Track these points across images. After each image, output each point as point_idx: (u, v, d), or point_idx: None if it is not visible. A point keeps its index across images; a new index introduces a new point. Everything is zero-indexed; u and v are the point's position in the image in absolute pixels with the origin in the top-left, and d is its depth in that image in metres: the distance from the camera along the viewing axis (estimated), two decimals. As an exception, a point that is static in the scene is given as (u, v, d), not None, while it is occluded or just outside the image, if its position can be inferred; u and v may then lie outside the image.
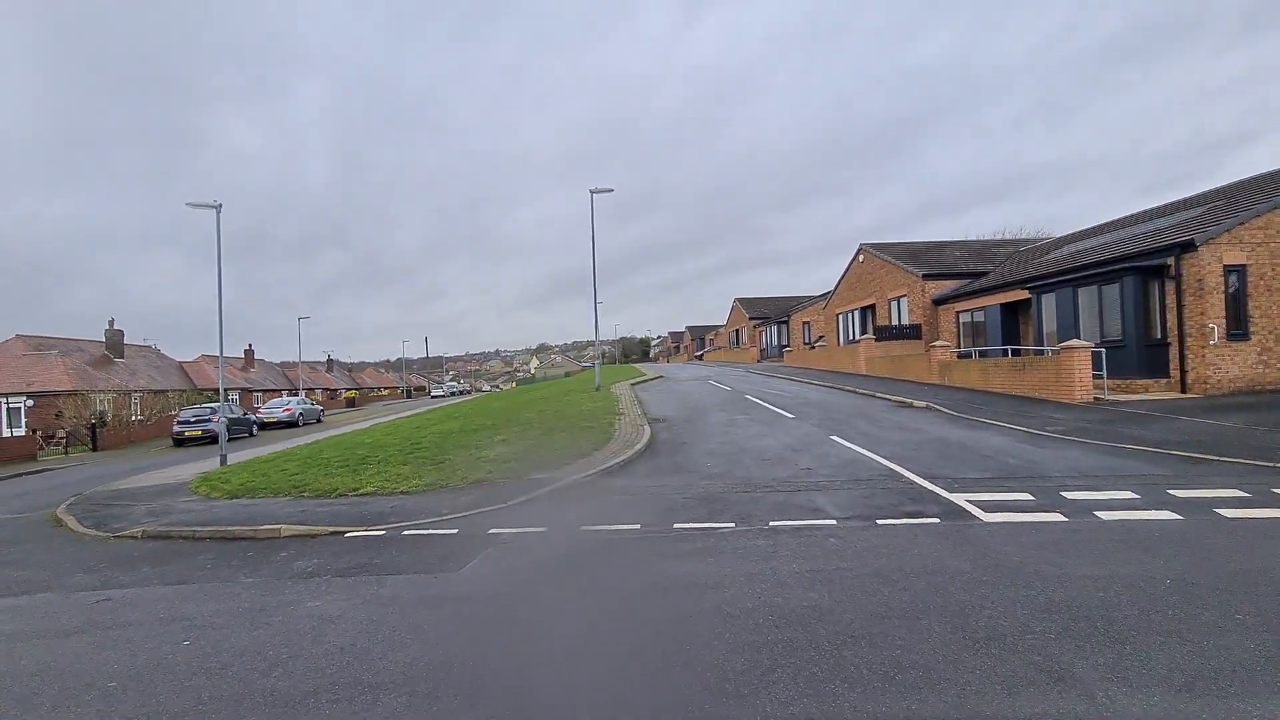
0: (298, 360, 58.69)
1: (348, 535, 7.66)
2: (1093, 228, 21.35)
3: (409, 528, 7.72)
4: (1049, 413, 12.62)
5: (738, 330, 60.49)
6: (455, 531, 7.42)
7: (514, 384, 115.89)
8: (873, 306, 29.11)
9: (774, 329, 47.70)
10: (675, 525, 7.02)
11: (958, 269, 24.48)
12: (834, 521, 6.74)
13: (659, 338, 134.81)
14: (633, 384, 25.87)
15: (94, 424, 27.73)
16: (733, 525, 6.89)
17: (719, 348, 68.16)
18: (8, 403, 32.80)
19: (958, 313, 22.75)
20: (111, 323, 44.15)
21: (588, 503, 8.23)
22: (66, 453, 26.81)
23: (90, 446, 27.30)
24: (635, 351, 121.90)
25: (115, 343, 44.13)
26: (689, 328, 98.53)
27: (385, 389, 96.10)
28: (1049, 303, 16.90)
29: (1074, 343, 13.18)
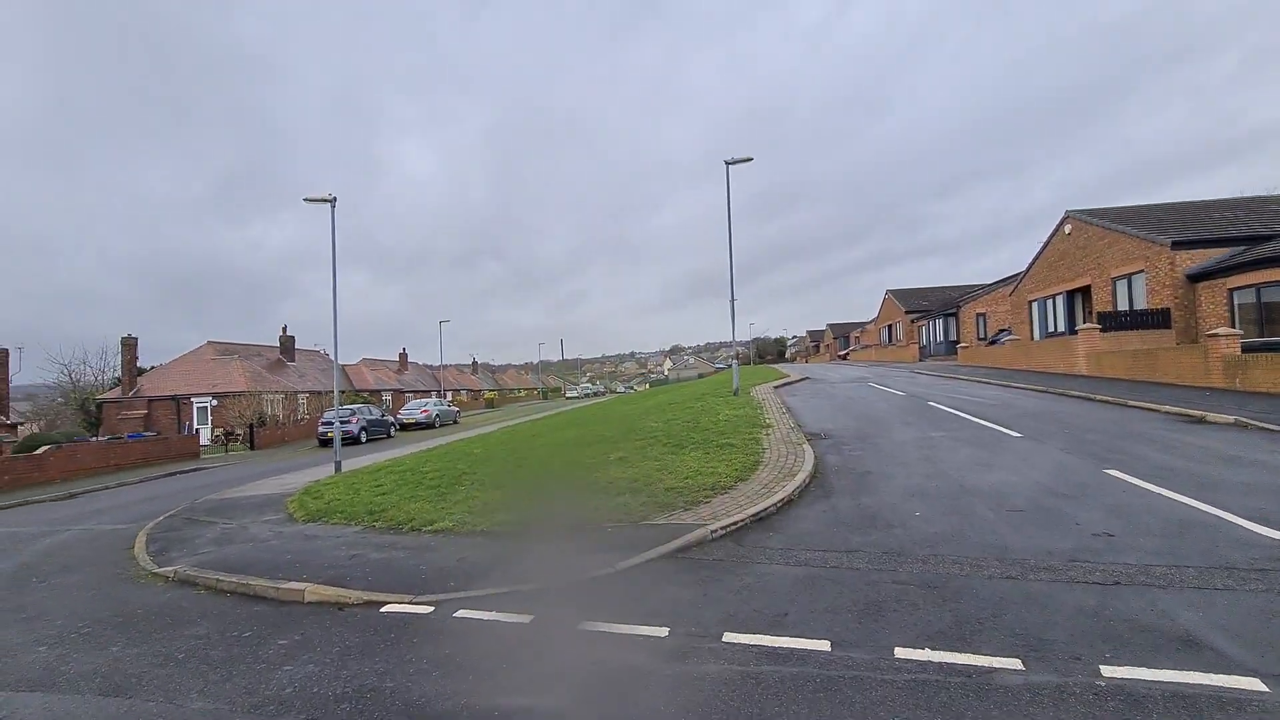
0: (439, 363, 61.19)
1: (383, 610, 5.26)
2: None
3: (466, 603, 5.17)
4: None
5: (890, 326, 53.98)
6: (527, 620, 4.73)
7: (647, 385, 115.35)
8: (1086, 289, 23.02)
9: (938, 323, 41.31)
10: (897, 651, 3.80)
11: (1223, 233, 18.16)
12: (1258, 687, 3.15)
13: (795, 337, 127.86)
14: (776, 386, 22.30)
15: (252, 424, 29.37)
16: (1017, 665, 3.55)
17: (867, 346, 61.62)
18: (195, 403, 36.28)
19: (1232, 290, 16.65)
20: (284, 329, 48.27)
21: (733, 580, 5.18)
22: (226, 451, 28.56)
23: (249, 445, 28.91)
24: (770, 352, 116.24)
25: (288, 347, 48.17)
26: (830, 325, 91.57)
27: (524, 390, 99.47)
28: None
29: None
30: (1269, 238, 17.35)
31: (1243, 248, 17.53)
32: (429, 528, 7.64)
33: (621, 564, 5.68)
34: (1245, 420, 9.63)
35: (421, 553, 6.70)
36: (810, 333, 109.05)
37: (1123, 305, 20.46)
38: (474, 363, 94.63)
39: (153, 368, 41.38)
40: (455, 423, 38.84)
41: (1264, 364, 12.11)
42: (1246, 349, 14.29)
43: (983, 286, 40.72)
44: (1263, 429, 9.17)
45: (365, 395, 49.23)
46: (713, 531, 6.26)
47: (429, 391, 71.40)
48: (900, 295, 52.51)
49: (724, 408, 15.36)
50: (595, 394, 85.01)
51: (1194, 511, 5.83)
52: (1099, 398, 13.33)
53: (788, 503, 7.16)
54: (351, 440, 28.12)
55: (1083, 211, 22.72)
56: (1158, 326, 18.23)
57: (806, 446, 9.88)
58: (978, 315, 37.72)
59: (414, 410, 36.54)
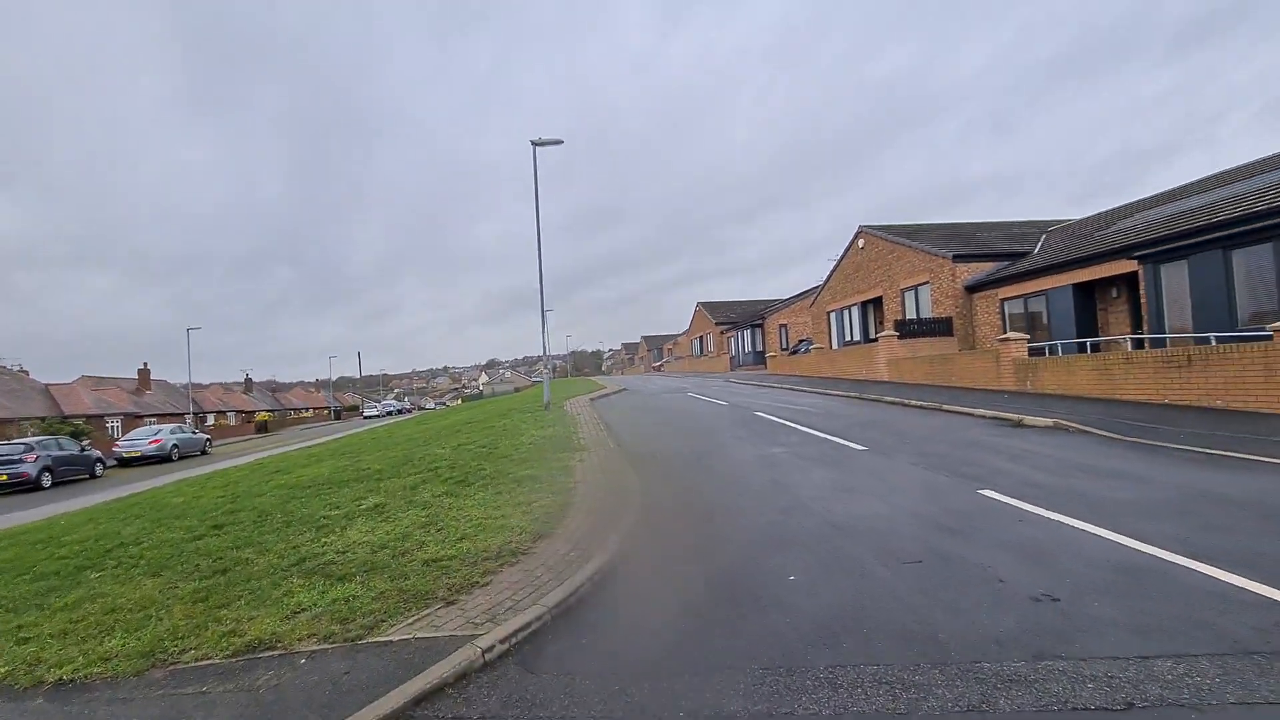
0: (188, 381, 50.48)
1: None
2: (1178, 188, 17.00)
3: None
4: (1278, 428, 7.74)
5: (702, 337, 55.61)
6: None
7: (460, 401, 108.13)
8: (878, 300, 24.41)
9: (745, 334, 42.91)
10: None
11: (992, 249, 19.95)
12: None
13: (612, 351, 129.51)
14: (593, 399, 20.23)
15: None
16: None
17: (680, 357, 63.13)
18: None
19: (1003, 300, 18.12)
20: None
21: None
22: None
23: None
24: (588, 365, 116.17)
25: (-56, 362, 35.54)
26: (645, 338, 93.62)
27: (314, 409, 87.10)
28: (1175, 276, 12.25)
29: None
30: (1023, 254, 19.31)
31: (1007, 262, 19.30)
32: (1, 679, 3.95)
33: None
34: (1064, 423, 9.42)
35: None
36: (626, 345, 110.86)
37: (911, 314, 21.77)
38: (247, 380, 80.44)
39: None
40: (204, 453, 31.22)
41: (1051, 366, 12.65)
42: (1034, 352, 15.23)
43: (782, 300, 43.14)
44: (1084, 432, 8.93)
45: (79, 423, 38.19)
46: (486, 651, 3.62)
47: (180, 415, 58.96)
48: (710, 308, 54.31)
49: (531, 427, 12.74)
50: (400, 411, 76.89)
51: (1120, 549, 4.54)
52: (914, 403, 13.12)
53: (608, 575, 4.78)
54: (28, 486, 20.54)
55: (875, 227, 24.10)
56: (943, 334, 19.41)
57: (630, 474, 7.67)
58: (780, 326, 39.64)
59: (139, 440, 28.45)
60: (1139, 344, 14.16)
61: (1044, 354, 14.39)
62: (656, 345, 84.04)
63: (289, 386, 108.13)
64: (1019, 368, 13.47)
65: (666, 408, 16.20)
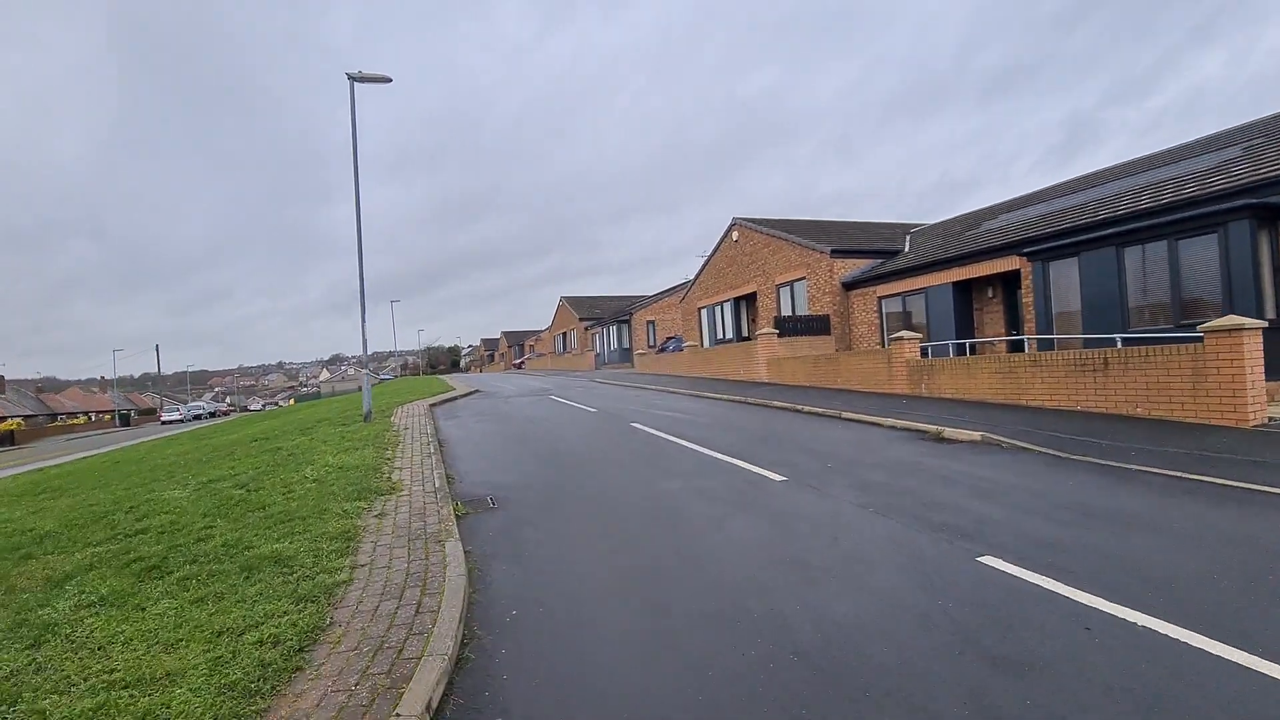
0: None
1: None
2: (1034, 192, 17.14)
3: None
4: (1228, 444, 6.73)
5: (565, 333, 52.86)
6: None
7: (292, 400, 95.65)
8: (752, 296, 23.26)
9: (611, 331, 40.87)
10: None
11: (868, 246, 19.34)
12: None
13: (470, 347, 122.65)
14: (433, 404, 16.76)
15: None
16: None
17: (542, 354, 59.82)
18: None
19: (880, 298, 17.40)
20: None
21: None
22: None
23: None
24: (444, 361, 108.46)
25: None
26: (505, 333, 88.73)
27: (97, 413, 71.99)
28: (1064, 272, 11.67)
29: (1236, 320, 7.52)
30: (895, 253, 18.86)
31: (880, 260, 18.72)
32: None
33: None
34: (993, 437, 8.00)
35: None
36: (485, 341, 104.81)
37: (786, 312, 20.73)
38: (-4, 378, 64.22)
39: None
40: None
41: (949, 369, 11.59)
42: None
43: (652, 296, 41.64)
44: (1021, 448, 7.50)
45: None
46: None
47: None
48: (574, 303, 51.71)
49: (332, 449, 9.30)
50: (211, 414, 65.59)
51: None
52: (808, 409, 11.47)
53: None
54: None
55: (751, 219, 22.90)
56: (821, 332, 18.43)
57: (451, 543, 4.80)
58: (648, 323, 38.04)
59: None
60: (1017, 346, 13.74)
61: (925, 355, 13.49)
62: (518, 341, 79.79)
63: (66, 385, 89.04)
64: (913, 369, 12.35)
65: (523, 416, 13.33)
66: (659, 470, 7.40)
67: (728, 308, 24.75)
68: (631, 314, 38.92)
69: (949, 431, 8.55)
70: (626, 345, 38.72)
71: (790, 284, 20.52)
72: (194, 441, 15.88)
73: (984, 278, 14.71)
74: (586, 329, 47.24)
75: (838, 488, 6.16)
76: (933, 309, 15.66)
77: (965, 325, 15.14)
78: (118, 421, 61.00)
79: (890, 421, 9.67)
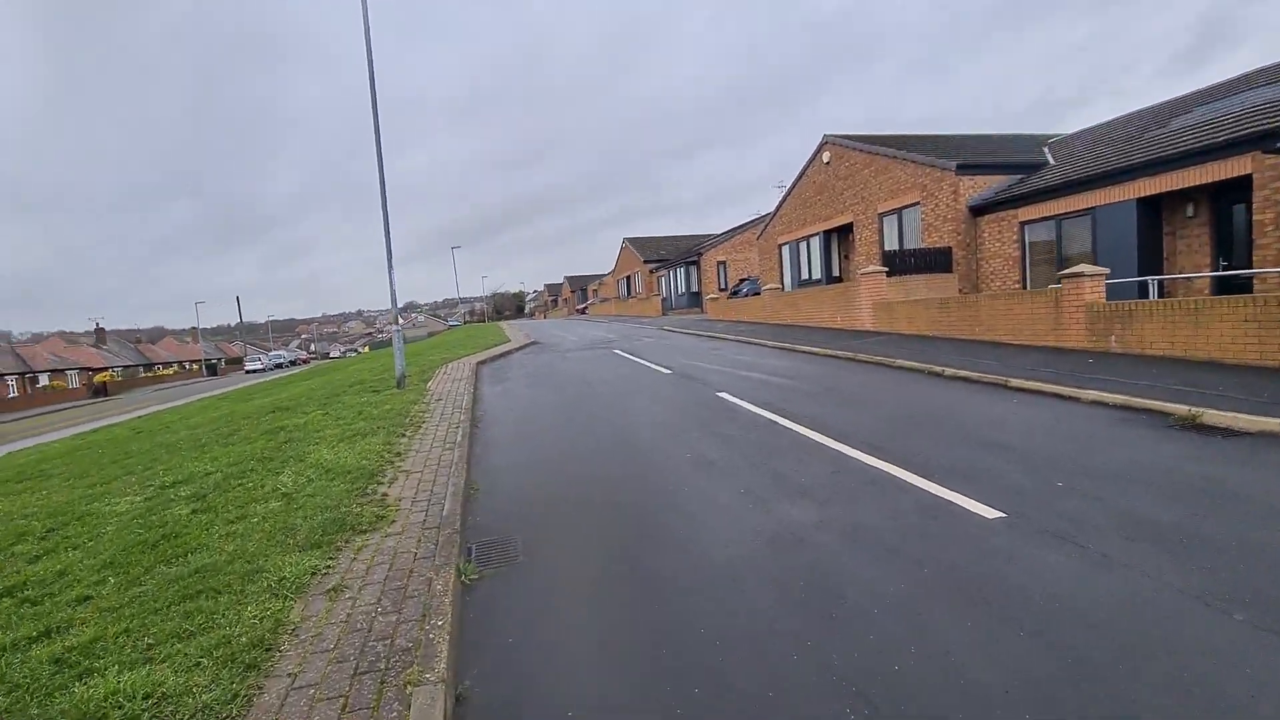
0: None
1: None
2: (1273, 65, 12.87)
3: None
4: None
5: (629, 277, 50.28)
6: None
7: (366, 348, 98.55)
8: (846, 228, 19.86)
9: (679, 273, 37.93)
10: None
11: (1005, 159, 15.55)
12: None
13: (535, 292, 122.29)
14: (481, 361, 14.83)
15: None
16: None
17: (606, 299, 57.67)
18: None
19: (1023, 224, 13.82)
20: None
21: None
22: None
23: None
24: (509, 307, 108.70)
25: None
26: (568, 278, 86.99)
27: (189, 362, 76.03)
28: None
29: None
30: (1038, 166, 15.03)
31: (1019, 176, 14.98)
32: None
33: None
34: (1307, 427, 5.02)
35: None
36: (549, 286, 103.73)
37: (890, 245, 17.35)
38: (98, 330, 68.43)
39: None
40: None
41: (1158, 313, 8.35)
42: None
43: (723, 234, 38.26)
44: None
45: None
46: None
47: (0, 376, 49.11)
48: (638, 244, 48.83)
49: (338, 432, 7.32)
50: (292, 363, 67.86)
51: None
52: (950, 371, 8.60)
53: None
54: None
55: (846, 137, 19.23)
56: (941, 269, 15.10)
57: (427, 689, 2.53)
58: (719, 263, 34.93)
59: None
60: (1228, 285, 10.21)
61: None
62: (581, 286, 77.89)
63: (160, 336, 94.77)
64: (1095, 316, 9.15)
65: (581, 378, 11.09)
66: (770, 475, 4.92)
67: (815, 243, 21.42)
68: (700, 254, 35.81)
69: (1210, 415, 5.60)
70: (695, 289, 35.83)
71: (898, 211, 17.04)
72: (234, 404, 14.62)
73: (1182, 191, 11.00)
74: (651, 271, 44.48)
75: (1113, 542, 3.50)
76: (1103, 236, 12.07)
77: (1152, 257, 11.55)
78: (205, 371, 63.87)
79: (1090, 395, 6.75)
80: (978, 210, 14.80)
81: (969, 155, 15.66)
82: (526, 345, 19.17)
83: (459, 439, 6.65)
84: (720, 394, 8.53)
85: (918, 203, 16.15)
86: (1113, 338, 8.92)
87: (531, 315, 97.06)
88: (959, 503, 4.20)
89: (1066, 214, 12.80)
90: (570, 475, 5.52)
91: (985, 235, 14.75)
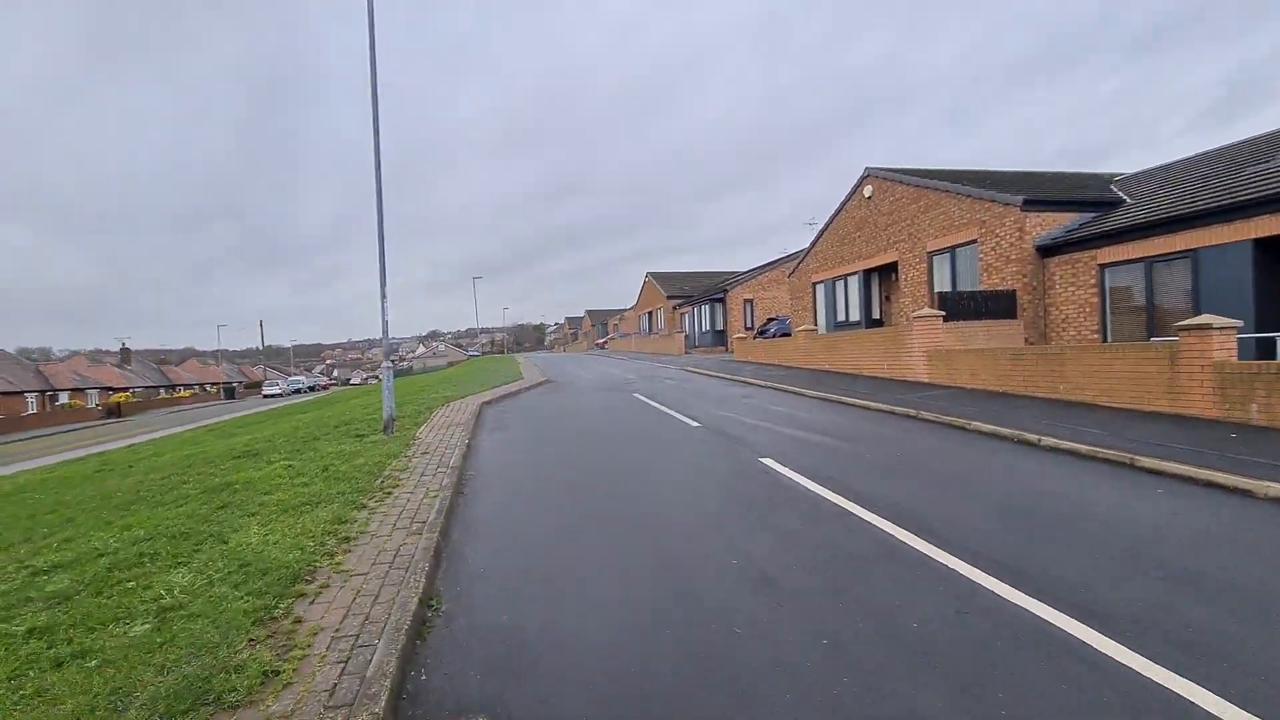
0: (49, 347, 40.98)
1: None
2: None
3: None
4: None
5: (651, 312, 49.03)
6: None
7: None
8: (890, 267, 18.33)
9: (703, 310, 36.52)
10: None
11: (1077, 196, 13.99)
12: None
13: (556, 325, 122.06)
14: (489, 400, 13.40)
15: None
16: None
17: (626, 335, 56.41)
18: None
19: (1103, 266, 12.17)
20: None
21: None
22: None
23: None
24: (529, 339, 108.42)
25: None
26: (589, 312, 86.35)
27: (208, 385, 76.03)
28: None
29: None
30: (1114, 204, 13.45)
31: (1094, 214, 13.39)
32: None
33: None
34: None
35: None
36: (569, 320, 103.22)
37: (941, 287, 15.76)
38: (123, 349, 68.82)
39: None
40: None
41: (1315, 381, 6.61)
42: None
43: (751, 271, 36.94)
44: None
45: None
46: None
47: (20, 393, 49.09)
48: (661, 279, 47.71)
49: (287, 497, 5.84)
50: (311, 389, 67.42)
51: None
52: (1048, 441, 6.92)
53: None
54: None
55: (891, 170, 17.86)
56: (1004, 315, 13.42)
57: None
58: (745, 301, 33.51)
59: None
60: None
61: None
62: (601, 320, 77.04)
63: (184, 357, 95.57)
64: (1227, 379, 7.44)
65: (595, 432, 9.58)
66: (867, 624, 3.30)
67: (854, 282, 19.89)
68: (726, 291, 34.43)
69: None
70: (720, 327, 34.37)
71: (950, 250, 15.49)
72: (213, 441, 13.31)
73: (1307, 232, 9.30)
74: (675, 308, 43.17)
75: None
76: (1208, 282, 10.38)
77: (1272, 307, 9.81)
78: (222, 394, 63.54)
79: (1272, 489, 5.04)
80: (1046, 251, 13.20)
81: (1035, 190, 14.13)
82: (539, 383, 17.75)
83: (432, 516, 5.14)
84: (764, 459, 6.94)
85: (974, 240, 14.59)
86: (1254, 406, 7.19)
87: (551, 348, 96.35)
88: (1203, 705, 2.54)
89: (1159, 256, 11.14)
90: (573, 597, 3.95)
91: (1056, 279, 13.10)
